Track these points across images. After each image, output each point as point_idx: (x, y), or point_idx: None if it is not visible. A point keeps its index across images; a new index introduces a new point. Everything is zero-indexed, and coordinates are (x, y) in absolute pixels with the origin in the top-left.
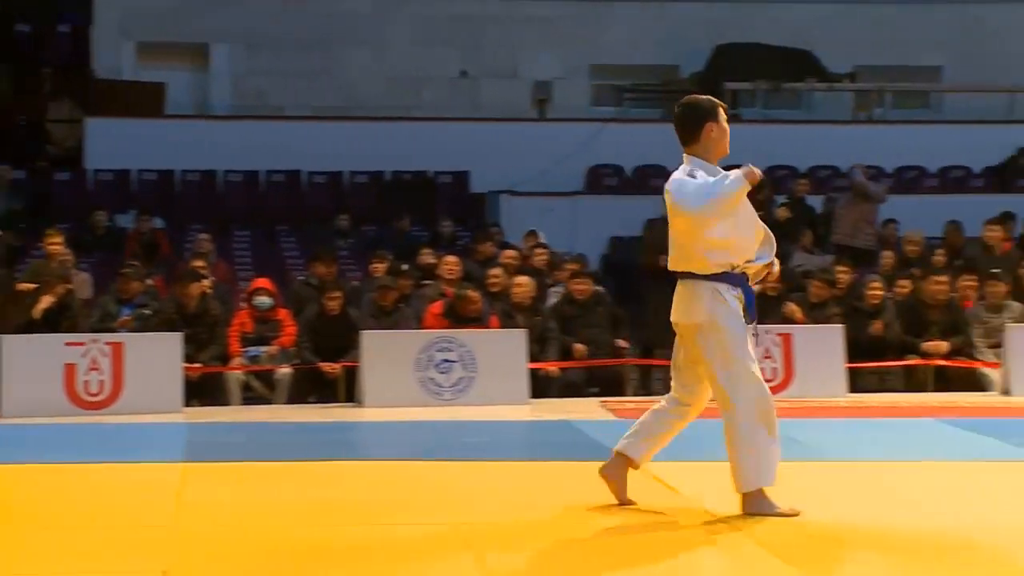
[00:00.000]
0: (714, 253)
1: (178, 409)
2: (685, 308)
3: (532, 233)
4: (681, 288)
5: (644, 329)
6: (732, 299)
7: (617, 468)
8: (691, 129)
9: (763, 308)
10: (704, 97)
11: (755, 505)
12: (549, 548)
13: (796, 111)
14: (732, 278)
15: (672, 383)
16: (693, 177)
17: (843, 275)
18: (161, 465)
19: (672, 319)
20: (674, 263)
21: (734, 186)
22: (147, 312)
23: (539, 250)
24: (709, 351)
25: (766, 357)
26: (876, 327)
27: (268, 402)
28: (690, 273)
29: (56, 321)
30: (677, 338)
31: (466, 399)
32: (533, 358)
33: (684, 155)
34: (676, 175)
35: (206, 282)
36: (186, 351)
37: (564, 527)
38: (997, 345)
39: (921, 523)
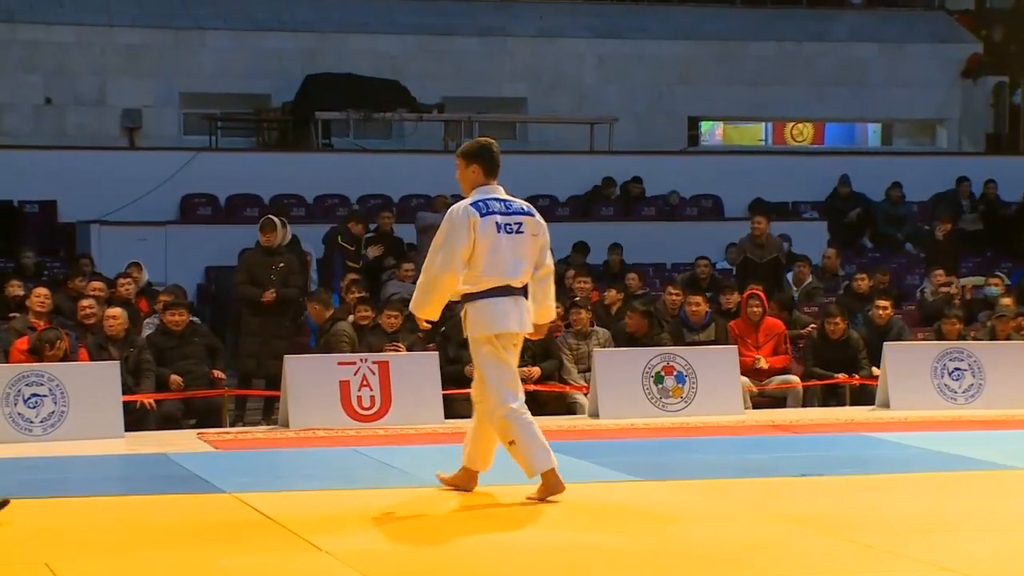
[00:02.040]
0: None
1: None
2: (528, 318)
3: (136, 264)
4: (524, 301)
5: (241, 359)
6: None
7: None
8: (499, 164)
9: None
10: None
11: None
12: None
13: (387, 141)
14: None
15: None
16: None
17: None
18: None
19: (525, 328)
20: (526, 277)
21: None
22: None
23: (124, 280)
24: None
25: (364, 385)
26: (469, 371)
27: None
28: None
29: None
30: (504, 349)
31: (58, 434)
32: (128, 391)
33: (493, 183)
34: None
35: None
36: None
37: (164, 563)
38: (587, 370)
39: (514, 542)
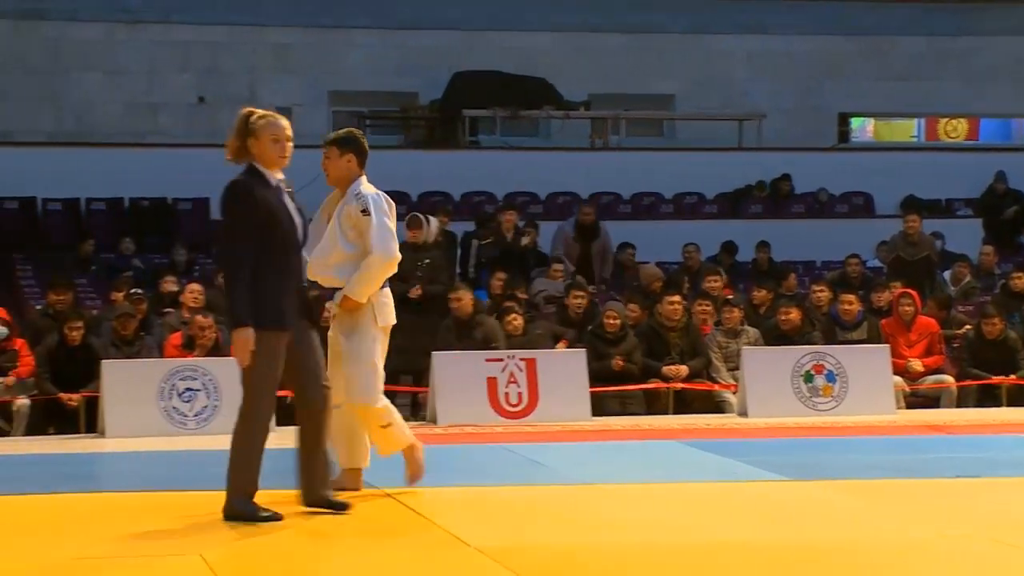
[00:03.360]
0: None
1: None
2: None
3: None
4: None
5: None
6: None
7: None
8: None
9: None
10: None
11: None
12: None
13: (534, 138)
14: None
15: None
16: None
17: (579, 300)
18: None
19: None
20: None
21: None
22: None
23: None
24: None
25: (511, 382)
26: (617, 363)
27: (6, 434)
28: None
29: None
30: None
31: (211, 428)
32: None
33: (365, 177)
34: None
35: None
36: None
37: (314, 558)
38: (736, 368)
39: (665, 541)
